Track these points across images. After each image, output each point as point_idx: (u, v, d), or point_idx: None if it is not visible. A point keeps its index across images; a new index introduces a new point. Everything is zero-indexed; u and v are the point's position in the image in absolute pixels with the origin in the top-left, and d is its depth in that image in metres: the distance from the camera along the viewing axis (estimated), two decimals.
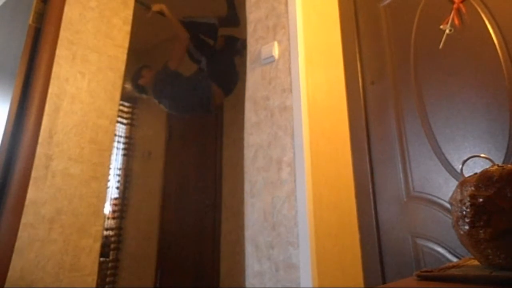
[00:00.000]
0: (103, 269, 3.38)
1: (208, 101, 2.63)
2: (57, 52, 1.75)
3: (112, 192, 3.72)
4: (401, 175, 1.46)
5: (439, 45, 1.43)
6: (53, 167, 1.66)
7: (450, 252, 1.28)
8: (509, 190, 0.64)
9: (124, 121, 3.94)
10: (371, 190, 1.52)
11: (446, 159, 1.35)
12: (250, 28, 1.73)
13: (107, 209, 3.64)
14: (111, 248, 3.57)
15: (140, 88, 2.80)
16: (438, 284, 0.65)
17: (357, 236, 1.50)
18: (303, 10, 1.56)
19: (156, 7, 2.65)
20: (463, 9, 1.40)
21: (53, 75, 1.72)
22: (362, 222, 1.51)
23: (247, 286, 1.40)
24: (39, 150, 1.62)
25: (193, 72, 2.80)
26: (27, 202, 1.54)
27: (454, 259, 1.23)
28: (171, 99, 2.72)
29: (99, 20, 2.00)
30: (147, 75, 2.75)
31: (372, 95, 1.61)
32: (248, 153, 1.55)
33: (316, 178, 1.36)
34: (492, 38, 1.32)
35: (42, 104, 1.65)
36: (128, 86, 2.89)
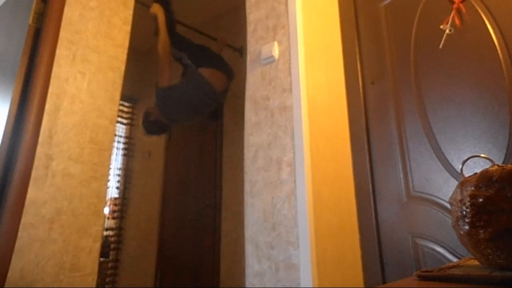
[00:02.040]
0: (103, 269, 3.38)
1: (209, 88, 2.52)
2: (57, 52, 1.75)
3: (112, 192, 3.72)
4: (401, 175, 1.46)
5: (439, 45, 1.43)
6: (53, 167, 1.66)
7: (450, 252, 1.28)
8: (509, 190, 0.64)
9: (124, 121, 3.95)
10: (371, 190, 1.52)
11: (446, 159, 1.35)
12: (250, 28, 1.73)
13: (107, 209, 3.64)
14: (111, 248, 3.57)
15: (156, 125, 2.71)
16: (438, 284, 0.65)
17: (357, 236, 1.49)
18: (303, 10, 1.56)
19: (153, 9, 2.60)
20: (463, 9, 1.40)
21: (53, 75, 1.72)
22: (362, 222, 1.51)
23: (247, 286, 1.40)
24: (39, 150, 1.62)
25: (181, 73, 2.76)
26: (27, 202, 1.54)
27: (454, 259, 1.23)
28: (179, 113, 2.64)
29: (99, 20, 1.99)
30: (154, 111, 2.69)
31: (372, 95, 1.61)
32: (248, 153, 1.55)
33: (316, 178, 1.36)
34: (492, 38, 1.32)
35: (42, 104, 1.65)
36: (144, 134, 2.83)
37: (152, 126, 2.73)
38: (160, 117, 2.67)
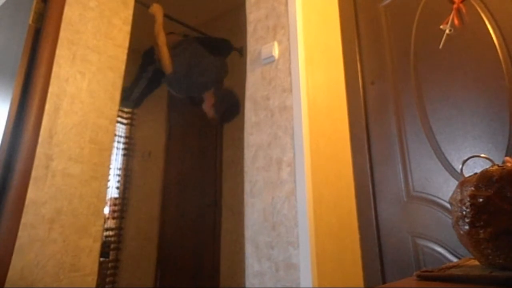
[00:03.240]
0: (103, 269, 3.38)
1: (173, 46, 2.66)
2: (57, 52, 1.75)
3: (112, 192, 3.71)
4: (401, 175, 1.46)
5: (439, 45, 1.43)
6: (53, 167, 1.66)
7: (450, 252, 1.28)
8: (509, 190, 0.64)
9: (124, 121, 3.94)
10: (371, 190, 1.52)
11: (446, 159, 1.35)
12: (250, 28, 1.73)
13: (107, 209, 3.64)
14: (111, 248, 3.57)
15: (222, 101, 2.70)
16: (438, 284, 0.65)
17: (357, 236, 1.49)
18: (303, 10, 1.56)
19: (152, 10, 2.63)
20: (463, 9, 1.40)
21: (53, 75, 1.72)
22: (362, 222, 1.51)
23: (247, 286, 1.40)
24: (39, 150, 1.62)
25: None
26: (27, 202, 1.54)
27: (454, 259, 1.23)
28: (197, 81, 2.65)
29: (99, 20, 1.99)
30: (207, 100, 2.71)
31: (372, 95, 1.61)
32: (248, 153, 1.55)
33: (316, 178, 1.36)
34: (492, 38, 1.32)
35: (42, 104, 1.65)
36: (227, 122, 2.83)
37: (222, 107, 2.71)
38: (213, 100, 2.68)
